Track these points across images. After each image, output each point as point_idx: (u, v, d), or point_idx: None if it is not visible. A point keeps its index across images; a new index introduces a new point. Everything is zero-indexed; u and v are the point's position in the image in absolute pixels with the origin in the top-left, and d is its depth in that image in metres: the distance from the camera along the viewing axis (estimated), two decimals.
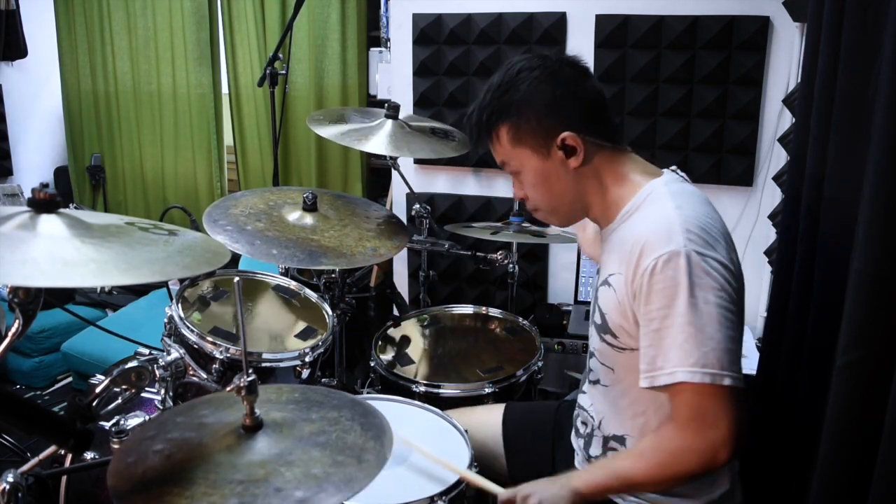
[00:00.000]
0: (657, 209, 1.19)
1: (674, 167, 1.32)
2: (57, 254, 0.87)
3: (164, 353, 1.59)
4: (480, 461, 1.40)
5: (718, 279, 1.11)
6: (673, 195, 1.20)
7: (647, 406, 1.25)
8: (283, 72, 2.38)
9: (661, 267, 1.10)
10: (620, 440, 1.31)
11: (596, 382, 1.35)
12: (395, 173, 2.35)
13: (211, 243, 1.09)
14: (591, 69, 1.33)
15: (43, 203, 0.93)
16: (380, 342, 1.97)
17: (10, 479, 1.00)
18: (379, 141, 1.89)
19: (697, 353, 1.08)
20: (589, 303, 1.81)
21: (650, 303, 1.12)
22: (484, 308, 2.17)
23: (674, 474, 1.15)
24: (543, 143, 1.24)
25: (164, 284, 2.24)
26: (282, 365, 1.64)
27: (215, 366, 1.58)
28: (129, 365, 1.14)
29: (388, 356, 1.91)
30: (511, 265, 2.26)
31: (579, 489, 1.19)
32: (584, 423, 1.41)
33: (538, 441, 1.57)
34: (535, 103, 1.23)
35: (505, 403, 1.67)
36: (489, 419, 1.61)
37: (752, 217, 2.46)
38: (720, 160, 2.46)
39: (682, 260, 1.10)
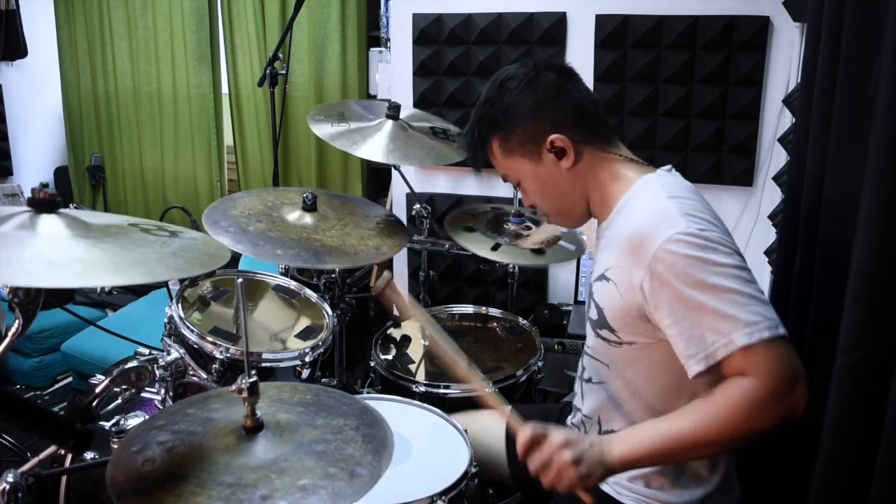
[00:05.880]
0: (650, 200, 1.19)
1: (669, 167, 1.30)
2: (44, 253, 0.87)
3: (164, 353, 1.59)
4: (481, 463, 1.41)
5: (727, 245, 1.10)
6: (665, 186, 1.21)
7: (651, 395, 1.23)
8: (283, 72, 2.38)
9: (673, 248, 1.08)
10: None
11: (588, 380, 1.35)
12: (395, 173, 2.35)
13: (210, 245, 1.08)
14: (589, 68, 1.33)
15: (43, 203, 0.93)
16: (380, 342, 1.97)
17: (10, 479, 1.00)
18: (378, 143, 1.88)
19: (745, 315, 1.04)
20: None
21: (673, 287, 1.08)
22: (484, 308, 2.17)
23: (749, 429, 1.06)
24: (533, 148, 1.27)
25: (165, 284, 2.24)
26: (282, 365, 1.64)
27: (215, 366, 1.58)
28: (129, 365, 1.14)
29: (388, 356, 1.91)
30: (511, 265, 2.26)
31: (622, 458, 1.10)
32: (575, 425, 1.40)
33: None
34: (519, 112, 1.26)
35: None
36: (493, 422, 1.60)
37: (752, 217, 2.46)
38: (720, 160, 2.46)
39: (690, 237, 1.09)
